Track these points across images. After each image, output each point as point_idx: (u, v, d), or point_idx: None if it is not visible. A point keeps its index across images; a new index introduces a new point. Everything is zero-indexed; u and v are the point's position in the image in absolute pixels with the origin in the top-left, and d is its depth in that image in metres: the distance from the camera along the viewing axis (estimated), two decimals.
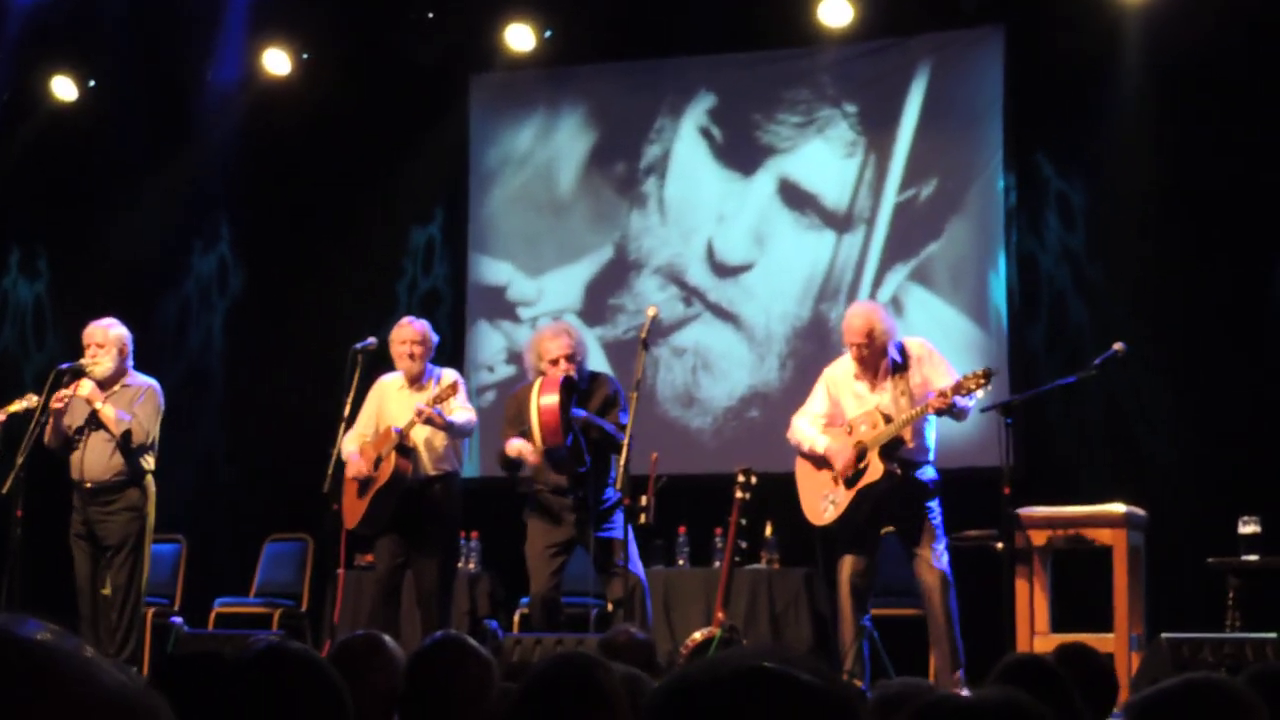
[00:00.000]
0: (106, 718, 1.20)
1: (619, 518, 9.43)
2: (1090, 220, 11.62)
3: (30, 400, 9.96)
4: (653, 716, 1.58)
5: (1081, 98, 11.67)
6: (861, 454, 8.87)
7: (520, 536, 9.95)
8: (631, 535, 9.47)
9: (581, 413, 9.47)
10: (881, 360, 9.05)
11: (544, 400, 9.38)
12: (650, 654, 6.36)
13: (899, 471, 8.84)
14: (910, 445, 8.90)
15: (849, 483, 8.92)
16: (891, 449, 8.85)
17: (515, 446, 9.57)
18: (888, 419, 8.84)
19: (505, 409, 10.03)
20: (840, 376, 9.24)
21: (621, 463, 9.17)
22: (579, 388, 9.59)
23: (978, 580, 9.38)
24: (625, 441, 9.22)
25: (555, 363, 9.53)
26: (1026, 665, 4.31)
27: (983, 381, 8.60)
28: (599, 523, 9.40)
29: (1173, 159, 11.28)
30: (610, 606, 9.50)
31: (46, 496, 10.19)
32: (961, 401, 8.71)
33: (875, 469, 8.82)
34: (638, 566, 9.48)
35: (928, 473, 9.00)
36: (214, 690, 3.28)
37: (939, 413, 8.76)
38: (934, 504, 8.97)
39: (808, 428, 9.19)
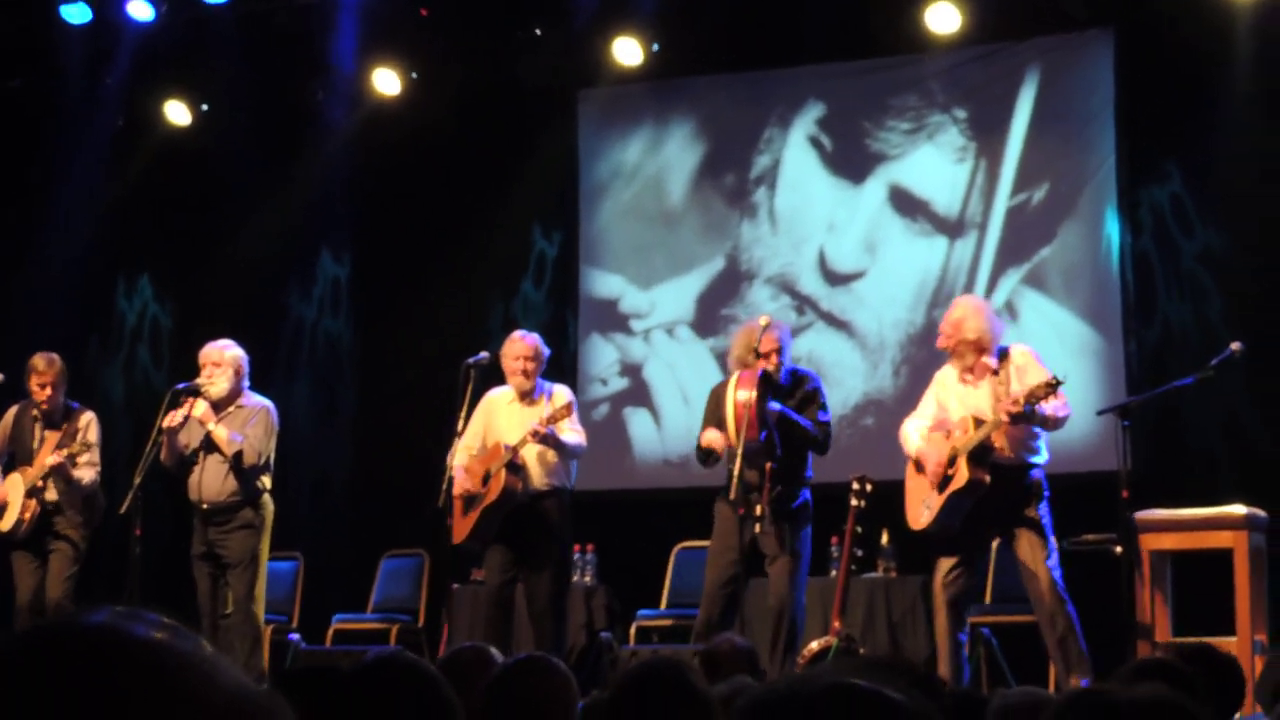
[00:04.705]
0: (226, 718, 1.17)
1: (807, 533, 9.42)
2: (1206, 221, 11.48)
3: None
4: None
5: (1195, 98, 11.53)
6: (953, 459, 8.79)
7: (635, 549, 9.90)
8: (807, 553, 9.41)
9: (777, 406, 9.41)
10: (978, 359, 8.97)
11: (740, 395, 9.33)
12: (754, 661, 6.34)
13: (986, 479, 8.70)
14: (1008, 452, 8.77)
15: (939, 488, 8.86)
16: (980, 455, 8.71)
17: (709, 438, 9.52)
18: (979, 423, 8.74)
19: (706, 405, 9.96)
20: (947, 378, 9.17)
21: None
22: (780, 384, 9.56)
23: (1097, 585, 9.27)
24: (819, 438, 9.32)
25: (766, 356, 9.49)
26: (1154, 668, 4.24)
27: (1050, 390, 8.48)
28: (783, 518, 9.30)
29: None
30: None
31: (166, 517, 10.29)
32: (1045, 409, 8.58)
33: (962, 475, 8.72)
34: (800, 588, 9.40)
35: (1032, 477, 8.84)
36: (328, 701, 3.29)
37: (1015, 420, 8.61)
38: (1041, 508, 8.80)
39: (911, 433, 9.14)
